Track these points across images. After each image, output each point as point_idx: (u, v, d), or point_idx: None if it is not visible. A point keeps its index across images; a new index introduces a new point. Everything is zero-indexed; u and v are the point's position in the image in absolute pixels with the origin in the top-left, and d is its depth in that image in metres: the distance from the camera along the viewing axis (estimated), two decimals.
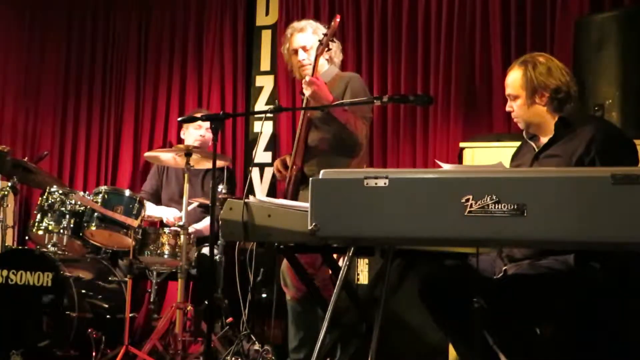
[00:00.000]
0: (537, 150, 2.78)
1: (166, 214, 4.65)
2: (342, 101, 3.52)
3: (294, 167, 3.70)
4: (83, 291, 4.03)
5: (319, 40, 3.73)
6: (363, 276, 3.73)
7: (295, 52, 3.85)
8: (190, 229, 4.32)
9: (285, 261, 3.65)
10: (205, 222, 4.61)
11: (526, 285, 2.54)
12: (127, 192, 4.36)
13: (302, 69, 3.82)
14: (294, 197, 3.62)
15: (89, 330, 3.94)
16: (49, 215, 4.23)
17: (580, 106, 2.78)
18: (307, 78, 3.62)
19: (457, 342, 2.78)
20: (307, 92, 3.62)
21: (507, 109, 2.84)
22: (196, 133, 4.82)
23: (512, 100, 2.79)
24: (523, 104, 2.75)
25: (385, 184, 1.96)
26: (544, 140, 2.78)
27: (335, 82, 3.83)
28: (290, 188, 3.68)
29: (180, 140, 5.07)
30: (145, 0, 5.82)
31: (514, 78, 2.78)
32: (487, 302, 2.41)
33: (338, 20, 3.64)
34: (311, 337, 3.56)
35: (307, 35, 3.85)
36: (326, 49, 3.72)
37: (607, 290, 2.47)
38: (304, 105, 3.72)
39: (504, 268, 2.64)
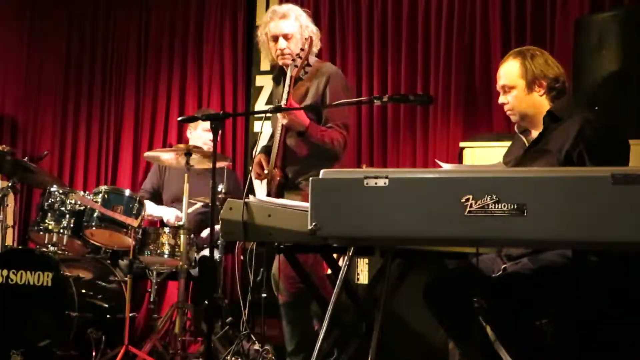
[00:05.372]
0: (527, 144, 2.76)
1: (167, 214, 4.62)
2: (338, 102, 3.34)
3: (275, 169, 3.60)
4: (83, 291, 4.02)
5: (293, 60, 3.55)
6: (363, 276, 3.73)
7: (275, 38, 3.65)
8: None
9: (275, 266, 3.62)
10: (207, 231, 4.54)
11: (526, 280, 2.54)
12: (127, 192, 4.35)
13: (281, 57, 3.64)
14: None
15: (89, 330, 3.93)
16: (49, 215, 4.22)
17: (569, 99, 2.77)
18: (282, 104, 3.50)
19: (461, 342, 2.77)
20: (283, 121, 3.52)
21: (501, 100, 2.80)
22: (205, 136, 4.74)
23: (507, 91, 2.76)
24: (520, 94, 2.72)
25: (385, 183, 1.96)
26: (535, 134, 2.75)
27: (314, 73, 3.66)
28: (273, 192, 3.60)
29: (181, 140, 5.05)
30: (145, 0, 5.82)
31: (511, 68, 2.75)
32: (488, 301, 2.42)
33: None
34: (307, 340, 3.54)
35: (289, 22, 3.63)
36: (302, 70, 3.56)
37: (605, 282, 2.47)
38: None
39: (503, 266, 2.64)
